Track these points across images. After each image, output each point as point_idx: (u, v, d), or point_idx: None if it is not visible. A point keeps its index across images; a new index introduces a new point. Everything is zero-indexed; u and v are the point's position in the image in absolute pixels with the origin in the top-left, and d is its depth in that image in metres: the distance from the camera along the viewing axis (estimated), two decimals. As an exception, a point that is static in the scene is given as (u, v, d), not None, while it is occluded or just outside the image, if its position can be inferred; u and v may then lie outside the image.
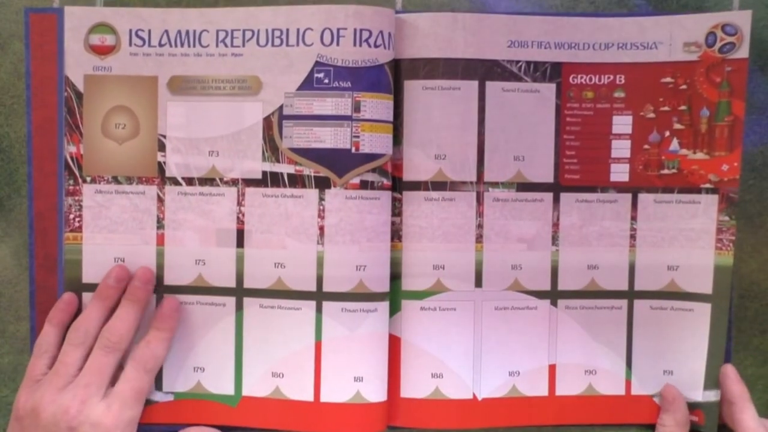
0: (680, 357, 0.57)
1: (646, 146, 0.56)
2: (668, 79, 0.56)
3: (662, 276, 0.57)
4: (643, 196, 0.56)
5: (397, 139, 0.55)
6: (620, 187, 0.56)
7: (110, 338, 0.52)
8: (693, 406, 0.56)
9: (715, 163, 0.56)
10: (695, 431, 0.56)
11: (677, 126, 0.56)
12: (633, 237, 0.57)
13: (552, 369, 0.57)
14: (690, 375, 0.57)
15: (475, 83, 0.55)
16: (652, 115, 0.56)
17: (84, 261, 0.55)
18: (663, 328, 0.57)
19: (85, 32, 0.54)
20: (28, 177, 0.55)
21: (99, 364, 0.51)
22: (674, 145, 0.56)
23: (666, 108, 0.56)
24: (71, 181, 0.55)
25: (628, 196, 0.56)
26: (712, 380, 0.56)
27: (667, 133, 0.56)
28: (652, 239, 0.57)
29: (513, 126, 0.56)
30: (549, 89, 0.56)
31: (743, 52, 0.55)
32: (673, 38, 0.56)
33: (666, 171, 0.56)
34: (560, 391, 0.57)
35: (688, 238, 0.56)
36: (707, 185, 0.56)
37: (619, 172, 0.56)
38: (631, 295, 0.57)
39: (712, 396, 0.56)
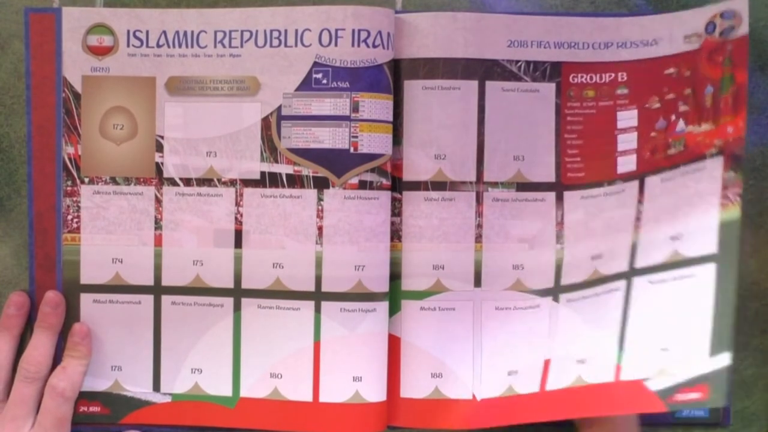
0: (679, 330, 0.55)
1: (653, 134, 0.55)
2: (672, 70, 0.55)
3: (664, 248, 0.55)
4: (650, 179, 0.55)
5: (397, 139, 0.55)
6: (627, 177, 0.56)
7: (28, 368, 0.52)
8: (694, 382, 0.55)
9: (720, 129, 0.54)
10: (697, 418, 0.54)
11: (683, 108, 0.55)
12: (638, 219, 0.55)
13: (546, 364, 0.56)
14: (690, 346, 0.55)
15: (474, 83, 0.55)
16: (657, 105, 0.55)
17: (82, 262, 0.55)
18: (661, 301, 0.55)
19: (83, 33, 0.54)
20: (28, 177, 0.55)
21: (21, 396, 0.52)
22: (680, 125, 0.55)
23: (671, 96, 0.55)
24: (69, 182, 0.55)
25: (635, 183, 0.55)
26: (722, 342, 0.54)
27: (674, 117, 0.55)
28: (656, 216, 0.55)
29: (513, 126, 0.55)
30: (549, 89, 0.56)
31: (743, 30, 0.54)
32: (673, 33, 0.55)
33: (672, 150, 0.55)
34: (550, 385, 0.56)
35: (691, 204, 0.55)
36: (712, 150, 0.55)
37: (626, 164, 0.55)
38: (630, 274, 0.56)
39: (722, 361, 0.54)
